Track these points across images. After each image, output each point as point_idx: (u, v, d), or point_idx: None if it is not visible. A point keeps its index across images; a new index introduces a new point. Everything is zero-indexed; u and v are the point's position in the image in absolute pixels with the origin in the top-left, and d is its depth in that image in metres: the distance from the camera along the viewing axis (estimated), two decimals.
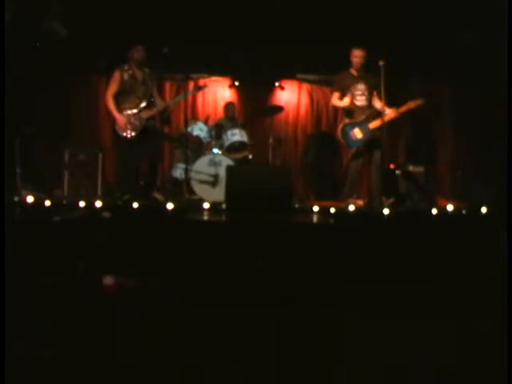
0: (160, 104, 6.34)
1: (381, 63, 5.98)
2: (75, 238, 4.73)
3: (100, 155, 6.84)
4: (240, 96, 8.27)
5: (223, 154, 6.75)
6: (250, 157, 7.07)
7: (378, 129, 6.11)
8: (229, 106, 7.71)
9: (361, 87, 6.35)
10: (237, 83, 8.03)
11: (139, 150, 6.29)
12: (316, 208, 5.66)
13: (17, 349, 2.70)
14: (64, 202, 5.68)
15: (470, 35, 6.78)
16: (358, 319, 3.39)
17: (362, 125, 6.26)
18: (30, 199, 5.39)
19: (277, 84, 8.10)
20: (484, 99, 7.12)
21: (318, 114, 8.47)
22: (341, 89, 6.43)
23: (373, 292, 3.88)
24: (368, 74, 6.29)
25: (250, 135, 7.07)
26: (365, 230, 5.11)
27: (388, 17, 6.62)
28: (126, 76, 6.16)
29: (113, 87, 6.15)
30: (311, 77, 8.40)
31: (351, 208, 5.70)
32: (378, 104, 6.28)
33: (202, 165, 6.50)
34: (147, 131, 6.16)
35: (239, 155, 7.00)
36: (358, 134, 6.26)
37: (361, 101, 6.36)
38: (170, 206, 5.36)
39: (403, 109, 6.21)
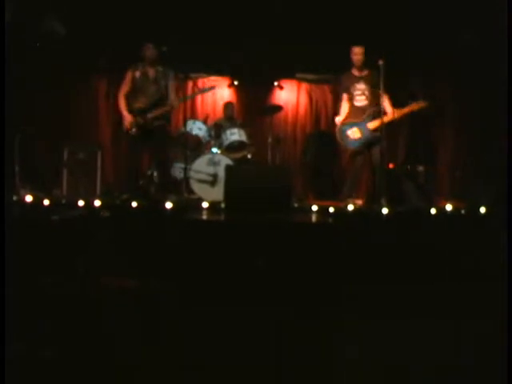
0: (173, 103, 6.33)
1: (380, 62, 5.98)
2: (74, 237, 4.72)
3: (99, 154, 6.82)
4: (239, 95, 8.27)
5: (222, 153, 6.75)
6: (249, 156, 7.07)
7: (378, 129, 6.09)
8: (228, 106, 7.70)
9: (360, 87, 6.33)
10: (236, 83, 8.03)
11: (143, 149, 6.31)
12: (315, 207, 5.65)
13: (17, 349, 2.70)
14: (63, 201, 5.66)
15: (470, 35, 6.78)
16: (358, 319, 3.39)
17: (360, 124, 6.25)
18: (28, 198, 5.38)
19: (276, 83, 8.10)
20: (484, 99, 7.13)
21: (317, 114, 8.48)
22: (345, 90, 6.45)
23: (373, 292, 3.88)
24: (371, 72, 6.27)
25: (248, 135, 7.07)
26: (364, 230, 5.11)
27: (388, 16, 6.62)
28: (137, 75, 6.21)
29: (124, 87, 6.22)
30: (310, 76, 8.40)
31: (350, 208, 5.69)
32: (386, 103, 6.27)
33: (201, 164, 6.50)
34: (153, 130, 6.18)
35: (238, 155, 7.00)
36: (356, 133, 6.25)
37: (360, 101, 6.35)
38: (168, 205, 5.35)
39: (405, 110, 6.20)
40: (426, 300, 3.78)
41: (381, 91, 5.99)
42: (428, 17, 6.56)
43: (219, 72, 8.08)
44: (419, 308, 3.66)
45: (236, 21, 6.93)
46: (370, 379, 2.69)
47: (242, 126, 7.20)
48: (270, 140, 7.23)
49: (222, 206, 5.50)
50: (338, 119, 6.48)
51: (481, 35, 6.63)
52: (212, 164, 6.51)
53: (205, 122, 7.14)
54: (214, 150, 6.83)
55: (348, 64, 6.39)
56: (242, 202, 5.18)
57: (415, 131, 7.81)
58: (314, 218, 5.46)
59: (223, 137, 6.95)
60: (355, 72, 6.37)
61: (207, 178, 6.44)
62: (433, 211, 5.53)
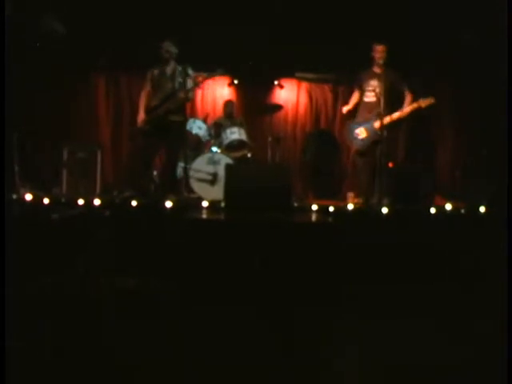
0: (184, 94, 6.25)
1: (380, 61, 6.00)
2: (74, 236, 4.73)
3: (99, 153, 6.82)
4: (239, 94, 8.26)
5: (222, 152, 6.74)
6: (249, 155, 7.07)
7: (384, 127, 6.09)
8: (228, 105, 7.69)
9: (373, 83, 6.34)
10: (236, 81, 8.01)
11: (155, 145, 6.38)
12: (315, 207, 5.65)
13: (17, 348, 2.70)
14: (63, 200, 5.65)
15: (470, 35, 6.77)
16: (358, 319, 3.39)
17: (367, 124, 6.26)
18: (28, 197, 5.38)
19: (276, 82, 8.08)
20: (484, 99, 7.12)
21: (317, 113, 8.47)
22: (359, 84, 6.52)
23: (373, 292, 3.88)
24: (389, 71, 6.28)
25: (248, 134, 7.07)
26: (364, 229, 5.12)
27: (388, 16, 6.61)
28: (156, 73, 6.31)
29: (146, 86, 6.37)
30: (310, 75, 8.39)
31: (350, 207, 5.69)
32: (407, 101, 6.29)
33: (200, 163, 6.49)
34: (167, 126, 6.20)
35: (238, 154, 6.99)
36: (363, 133, 6.28)
37: (369, 97, 6.38)
38: (168, 204, 5.35)
39: (413, 107, 6.21)
40: (425, 300, 3.78)
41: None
42: (428, 17, 6.56)
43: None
44: (419, 308, 3.66)
45: (236, 19, 6.91)
46: (370, 379, 2.69)
47: (241, 125, 7.19)
48: (269, 139, 7.23)
49: (222, 205, 5.49)
50: (346, 108, 6.63)
51: (481, 35, 6.63)
52: (212, 163, 6.50)
53: (205, 120, 7.13)
54: (214, 148, 6.83)
55: (349, 62, 6.40)
56: (241, 201, 5.17)
57: (415, 131, 7.80)
58: (313, 217, 5.46)
59: (223, 136, 6.95)
60: (376, 69, 6.38)
61: (207, 177, 6.44)
62: (432, 211, 5.53)
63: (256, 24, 6.93)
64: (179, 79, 6.23)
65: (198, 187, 6.43)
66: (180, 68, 6.23)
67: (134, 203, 5.39)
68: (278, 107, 7.54)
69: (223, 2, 6.71)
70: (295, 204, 5.93)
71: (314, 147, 8.03)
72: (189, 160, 6.30)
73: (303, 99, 8.48)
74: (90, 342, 2.96)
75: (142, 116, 6.23)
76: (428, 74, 7.45)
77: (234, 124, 7.21)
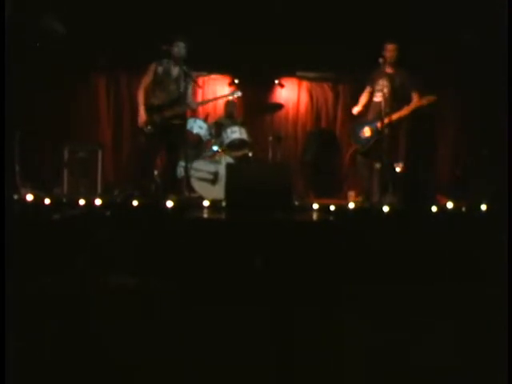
0: (191, 104, 6.34)
1: (381, 60, 5.99)
2: (75, 235, 4.73)
3: (99, 153, 6.82)
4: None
5: (223, 151, 6.74)
6: (250, 154, 7.06)
7: (387, 126, 6.08)
8: (229, 104, 7.68)
9: (382, 83, 6.33)
10: (236, 81, 8.00)
11: (157, 147, 6.37)
12: (316, 205, 5.65)
13: (17, 348, 2.70)
14: (63, 199, 5.66)
15: (470, 35, 6.76)
16: (358, 319, 3.39)
17: (372, 123, 6.26)
18: (29, 197, 5.38)
19: (276, 82, 8.07)
20: (484, 98, 7.12)
21: (318, 112, 8.46)
22: (371, 83, 6.51)
23: (373, 292, 3.88)
24: (401, 70, 6.28)
25: (249, 133, 7.06)
26: (365, 228, 5.12)
27: (388, 15, 6.61)
28: (160, 70, 6.20)
29: (146, 80, 6.21)
30: (311, 74, 8.39)
31: (351, 206, 5.69)
32: (414, 101, 6.29)
33: (201, 162, 6.50)
34: (170, 129, 6.19)
35: (239, 153, 6.99)
36: (367, 132, 6.28)
37: (378, 96, 6.36)
38: (169, 203, 5.35)
39: (414, 105, 6.21)
40: (425, 300, 3.78)
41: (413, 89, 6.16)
42: (428, 17, 6.56)
43: (220, 70, 8.06)
44: (419, 307, 3.65)
45: (237, 18, 6.92)
46: (370, 379, 2.69)
47: (242, 125, 7.19)
48: (270, 138, 7.23)
49: (223, 204, 5.50)
50: (356, 109, 6.58)
51: (481, 35, 6.62)
52: (213, 162, 6.51)
53: (205, 120, 7.13)
54: (215, 148, 6.83)
55: (349, 62, 6.39)
56: (242, 200, 5.18)
57: (416, 130, 7.79)
58: (314, 216, 5.46)
59: (224, 135, 6.95)
60: (388, 69, 6.34)
61: (208, 177, 6.44)
62: (434, 209, 5.53)
63: (256, 23, 6.93)
64: (183, 83, 6.22)
65: (198, 186, 6.43)
66: (185, 70, 6.20)
67: (135, 203, 5.39)
68: (279, 106, 7.54)
69: (223, 1, 6.71)
70: (296, 203, 5.93)
71: (315, 146, 8.03)
72: (189, 159, 6.31)
73: (304, 98, 8.47)
74: (90, 342, 2.96)
75: (143, 116, 6.12)
76: (428, 74, 7.43)
77: (234, 123, 7.21)
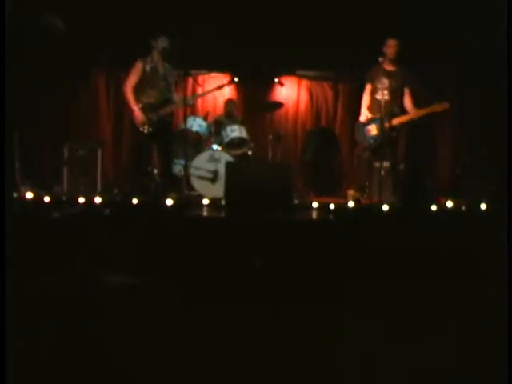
0: (179, 100, 6.27)
1: (380, 59, 5.98)
2: (74, 234, 4.73)
3: (99, 151, 6.82)
4: (239, 92, 8.25)
5: (223, 150, 6.74)
6: (250, 153, 7.06)
7: (394, 128, 6.07)
8: (228, 103, 7.69)
9: (385, 81, 6.27)
10: (236, 79, 8.00)
11: (154, 146, 6.34)
12: (315, 204, 5.65)
13: (17, 347, 2.70)
14: (63, 198, 5.65)
15: (470, 35, 6.76)
16: (358, 319, 3.39)
17: (377, 121, 6.22)
18: (29, 195, 5.38)
19: (276, 80, 8.05)
20: (484, 98, 7.11)
21: (318, 110, 8.46)
22: (369, 81, 6.43)
23: (373, 291, 3.88)
24: (401, 68, 6.25)
25: (249, 132, 7.06)
26: (364, 227, 5.12)
27: (388, 15, 6.60)
28: (147, 68, 6.09)
29: (133, 78, 6.07)
30: (311, 73, 8.38)
31: (351, 204, 5.69)
32: (407, 102, 6.26)
33: (201, 161, 6.49)
34: (164, 127, 6.18)
35: (238, 151, 6.99)
36: (373, 130, 6.26)
37: (382, 95, 6.28)
38: (169, 202, 5.35)
39: (427, 110, 6.18)
40: (425, 299, 3.78)
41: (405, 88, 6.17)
42: (428, 16, 6.55)
43: (219, 68, 8.05)
44: (419, 307, 3.66)
45: (237, 17, 6.91)
46: (370, 379, 2.69)
47: (242, 123, 7.19)
48: (270, 137, 7.22)
49: (223, 202, 5.50)
50: (364, 114, 6.45)
51: (481, 35, 6.61)
52: (212, 161, 6.50)
53: (205, 118, 7.14)
54: (215, 146, 6.83)
55: (350, 60, 6.38)
56: (242, 198, 5.18)
57: (416, 129, 7.79)
58: (314, 214, 5.46)
59: (223, 133, 6.95)
60: (387, 66, 6.31)
61: (207, 175, 6.44)
62: (433, 208, 5.53)
63: (256, 21, 6.92)
64: (170, 79, 6.21)
65: (198, 185, 6.43)
66: (168, 67, 6.20)
67: (134, 201, 5.39)
68: (279, 105, 7.54)
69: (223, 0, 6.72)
70: (296, 201, 5.93)
71: (315, 145, 8.03)
72: (189, 158, 6.30)
73: (304, 97, 8.47)
74: (90, 341, 2.96)
75: (140, 116, 6.01)
76: (428, 74, 7.43)
77: (234, 122, 7.21)
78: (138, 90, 6.09)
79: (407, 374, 2.71)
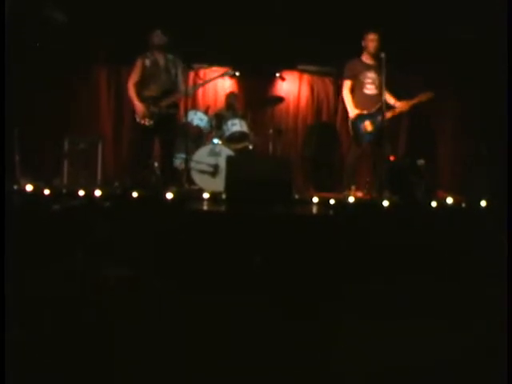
0: (188, 90, 6.30)
1: (382, 55, 5.96)
2: (74, 226, 4.73)
3: (100, 144, 6.82)
4: (240, 86, 8.24)
5: (223, 144, 6.74)
6: (251, 147, 7.06)
7: (387, 121, 6.07)
8: (230, 97, 7.68)
9: (371, 75, 6.28)
10: (237, 73, 7.98)
11: (156, 138, 6.36)
12: (315, 199, 5.65)
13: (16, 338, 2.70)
14: (63, 190, 5.66)
15: (470, 35, 6.75)
16: (358, 319, 3.38)
17: (372, 117, 6.22)
18: (29, 188, 5.38)
19: (277, 75, 8.03)
20: (484, 95, 7.10)
21: (319, 105, 8.46)
22: (352, 77, 6.37)
23: (373, 290, 3.87)
24: (378, 63, 6.22)
25: (250, 126, 7.06)
26: (364, 222, 5.12)
27: (388, 11, 6.58)
28: (147, 63, 6.15)
29: (134, 76, 6.17)
30: (312, 68, 8.38)
31: (351, 200, 5.69)
32: (388, 96, 6.24)
33: (202, 155, 6.49)
34: (166, 119, 6.18)
35: (239, 145, 6.98)
36: (369, 126, 6.24)
37: (370, 89, 6.30)
38: (169, 195, 5.35)
39: (414, 101, 6.20)
40: (425, 299, 3.77)
41: (383, 84, 6.00)
42: (428, 13, 6.54)
43: (221, 62, 8.03)
44: (419, 307, 3.65)
45: (238, 11, 6.89)
46: (370, 379, 2.69)
47: (243, 117, 7.18)
48: (271, 131, 7.22)
49: (223, 196, 5.50)
50: (352, 111, 6.34)
51: (481, 33, 6.60)
52: (213, 155, 6.50)
53: (206, 112, 7.13)
54: (215, 140, 6.82)
55: (349, 54, 6.36)
56: (242, 192, 5.18)
57: (416, 125, 7.79)
58: (314, 209, 5.46)
59: (224, 127, 6.95)
60: (367, 60, 6.31)
61: (208, 169, 6.44)
62: (433, 204, 5.53)
63: (257, 16, 6.90)
64: (173, 71, 6.21)
65: (199, 179, 6.43)
66: (171, 58, 6.20)
67: (134, 194, 5.39)
68: (280, 99, 7.53)
69: None
70: (296, 196, 5.93)
71: (316, 140, 8.02)
72: (190, 151, 6.30)
73: (305, 92, 8.46)
74: (89, 335, 2.96)
75: (140, 108, 6.06)
76: (428, 73, 7.42)
77: (235, 116, 7.20)
78: (141, 85, 6.15)
79: (407, 374, 2.71)
